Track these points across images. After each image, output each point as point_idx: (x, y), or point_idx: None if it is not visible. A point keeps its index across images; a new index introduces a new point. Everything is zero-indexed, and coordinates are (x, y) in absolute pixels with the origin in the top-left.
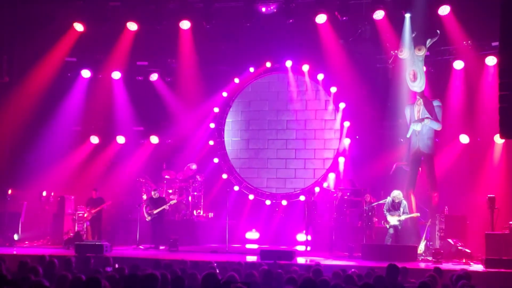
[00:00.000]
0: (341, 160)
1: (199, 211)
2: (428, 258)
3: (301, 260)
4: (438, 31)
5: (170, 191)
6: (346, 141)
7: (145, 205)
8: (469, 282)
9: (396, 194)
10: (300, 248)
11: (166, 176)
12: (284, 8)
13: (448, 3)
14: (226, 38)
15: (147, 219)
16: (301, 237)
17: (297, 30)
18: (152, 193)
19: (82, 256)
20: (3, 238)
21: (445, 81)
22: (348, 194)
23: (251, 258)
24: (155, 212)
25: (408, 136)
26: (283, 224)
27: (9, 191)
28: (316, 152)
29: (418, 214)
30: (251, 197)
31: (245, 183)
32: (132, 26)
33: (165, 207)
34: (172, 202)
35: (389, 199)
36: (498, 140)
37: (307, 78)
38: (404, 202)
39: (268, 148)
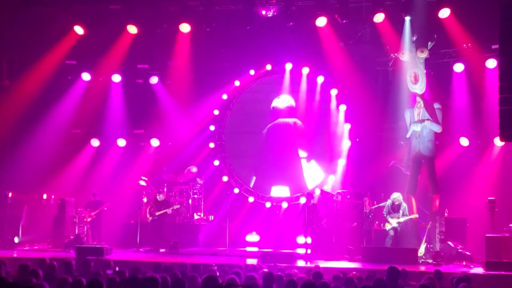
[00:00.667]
0: (342, 162)
1: (199, 213)
2: (428, 260)
3: (301, 263)
4: (435, 36)
5: (171, 194)
6: (347, 143)
7: (149, 206)
8: (470, 285)
9: (396, 196)
10: (301, 250)
11: (175, 180)
12: (284, 11)
13: (448, 6)
14: (227, 41)
15: (148, 220)
16: (301, 239)
17: (297, 33)
18: (157, 195)
19: (82, 259)
20: (3, 241)
21: (446, 84)
22: (348, 196)
23: (251, 261)
24: (157, 214)
25: (408, 136)
26: (284, 227)
27: (10, 194)
28: (316, 155)
29: (417, 215)
30: (251, 199)
31: (245, 185)
32: (132, 29)
33: (168, 211)
34: (175, 207)
35: (389, 201)
36: (498, 142)
37: (304, 79)
38: (404, 205)
39: (268, 151)
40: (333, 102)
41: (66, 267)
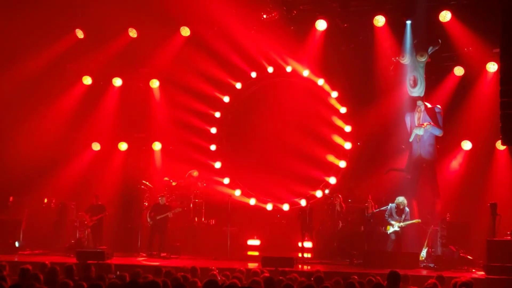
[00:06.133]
0: (343, 165)
1: (200, 217)
2: (430, 265)
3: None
4: (439, 40)
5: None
6: (348, 147)
7: (150, 210)
8: None
9: (401, 200)
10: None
11: (173, 182)
12: (286, 15)
13: (449, 9)
14: (228, 44)
15: (149, 223)
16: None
17: (298, 37)
18: (159, 199)
19: (83, 263)
20: (4, 246)
21: (446, 87)
22: (349, 200)
23: (252, 265)
24: (158, 218)
25: (410, 140)
26: (285, 230)
27: (11, 199)
28: (316, 158)
29: (419, 220)
30: (252, 202)
31: (247, 188)
32: (133, 32)
33: (169, 214)
34: (177, 210)
35: (392, 205)
36: (500, 146)
37: (308, 83)
38: (407, 209)
39: (269, 153)
40: (334, 104)
41: (67, 271)
